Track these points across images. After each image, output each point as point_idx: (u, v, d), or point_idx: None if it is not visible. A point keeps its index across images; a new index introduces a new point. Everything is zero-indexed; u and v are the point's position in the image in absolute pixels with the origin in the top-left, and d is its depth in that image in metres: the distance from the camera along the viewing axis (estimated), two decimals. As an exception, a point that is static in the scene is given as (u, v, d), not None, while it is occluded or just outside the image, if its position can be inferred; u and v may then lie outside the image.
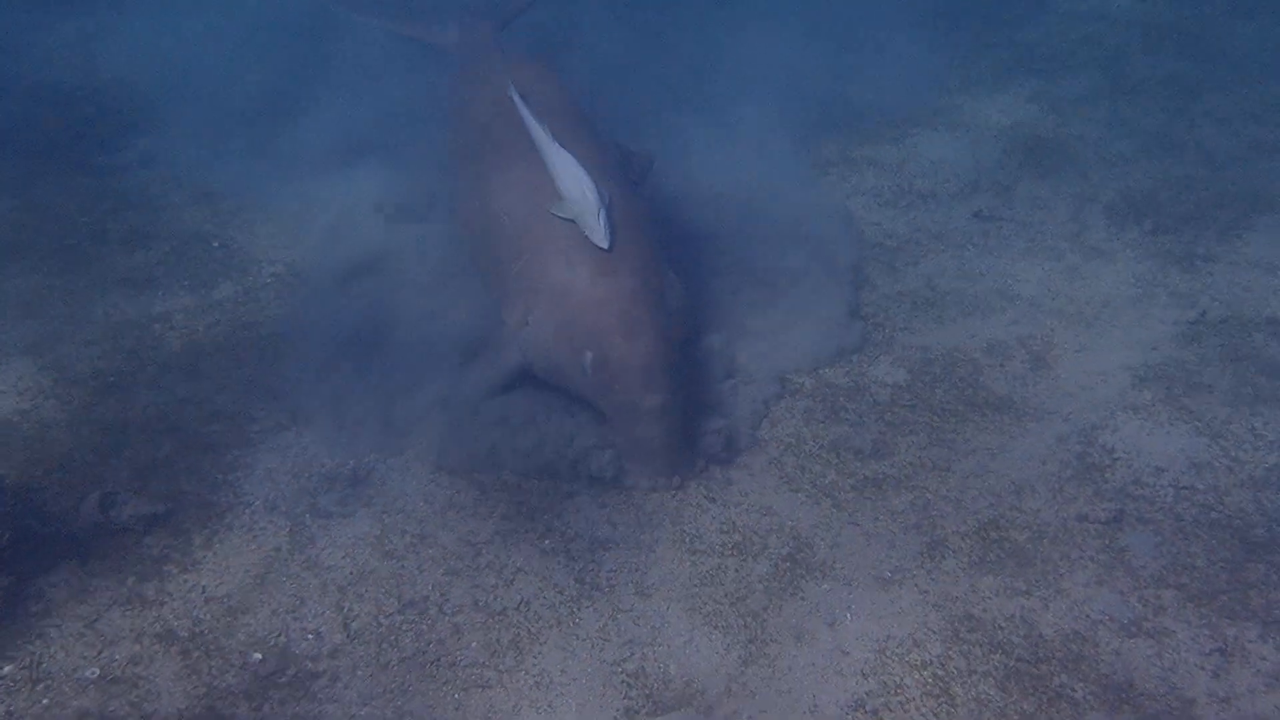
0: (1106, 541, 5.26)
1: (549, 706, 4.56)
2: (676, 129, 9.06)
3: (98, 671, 4.73)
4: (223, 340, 6.80)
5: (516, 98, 6.55)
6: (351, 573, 5.20)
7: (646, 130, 8.77)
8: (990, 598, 4.99)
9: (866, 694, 4.55)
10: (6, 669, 4.73)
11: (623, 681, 4.66)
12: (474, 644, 4.84)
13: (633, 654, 4.78)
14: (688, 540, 5.35)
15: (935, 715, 4.45)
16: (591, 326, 5.64)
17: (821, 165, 8.99)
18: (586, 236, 5.81)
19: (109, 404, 6.24)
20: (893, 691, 4.56)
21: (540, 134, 6.23)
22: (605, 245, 5.76)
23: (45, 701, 4.59)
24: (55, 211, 8.07)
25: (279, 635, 4.90)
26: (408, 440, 5.95)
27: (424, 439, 5.94)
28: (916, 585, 5.07)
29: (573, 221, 5.89)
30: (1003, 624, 4.85)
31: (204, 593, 5.10)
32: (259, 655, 4.81)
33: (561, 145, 6.13)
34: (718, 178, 8.36)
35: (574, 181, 5.92)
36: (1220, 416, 6.04)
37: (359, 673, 4.72)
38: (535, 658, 4.78)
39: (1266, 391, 6.22)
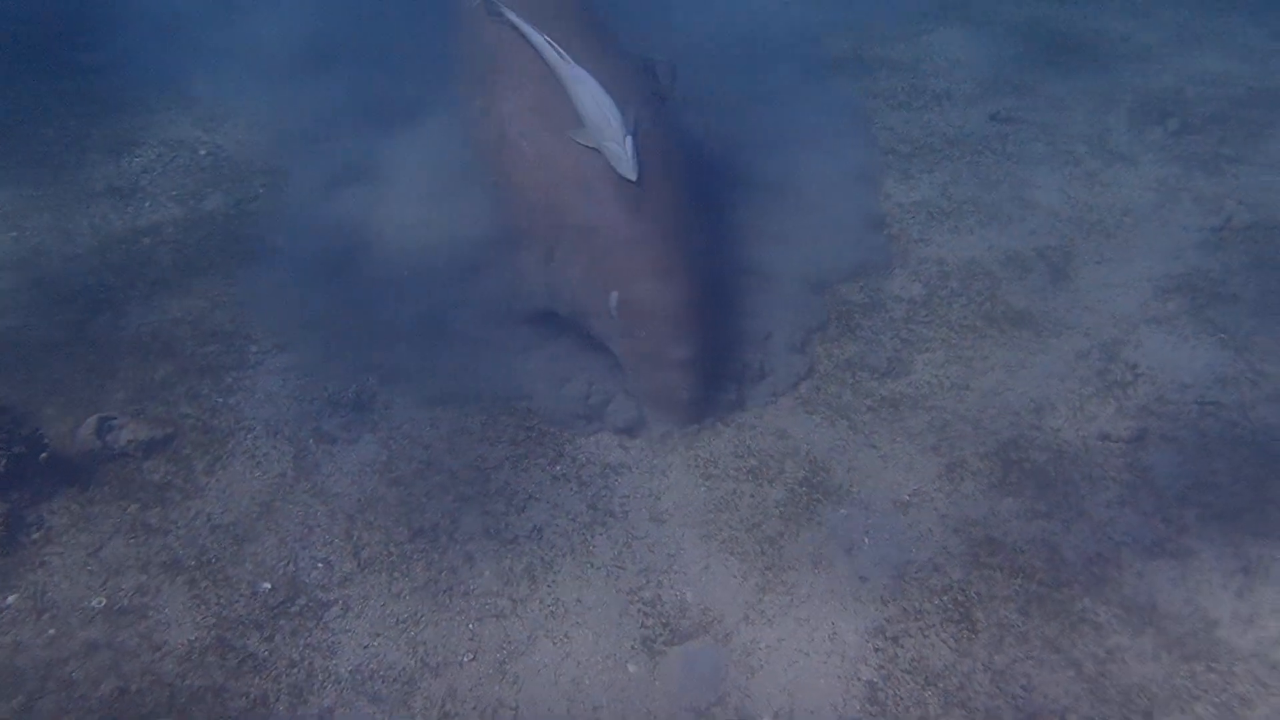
0: (1129, 461, 5.16)
1: (565, 636, 4.49)
2: (675, 27, 8.62)
3: (104, 601, 4.65)
4: (215, 255, 6.56)
5: (513, 16, 6.02)
6: (359, 500, 5.08)
7: (646, 27, 8.34)
8: (1011, 520, 4.90)
9: (887, 620, 4.50)
10: (11, 599, 4.65)
11: (639, 610, 4.59)
12: (487, 573, 4.76)
13: (648, 582, 4.70)
14: (701, 465, 5.23)
15: (957, 641, 4.41)
16: (619, 267, 5.29)
17: (833, 64, 8.61)
18: (612, 166, 5.36)
19: (100, 323, 6.04)
20: (913, 617, 4.50)
21: (551, 53, 5.70)
22: (632, 177, 5.31)
23: (51, 632, 4.52)
24: (38, 115, 7.71)
25: (288, 564, 4.81)
26: (405, 369, 5.72)
27: (418, 370, 5.69)
28: (935, 509, 4.98)
29: (596, 150, 5.42)
30: (1024, 547, 4.78)
31: (209, 520, 4.99)
32: (268, 584, 4.73)
33: (578, 62, 5.60)
34: (722, 78, 7.99)
35: (595, 105, 5.40)
36: (1246, 328, 5.88)
37: (371, 602, 4.65)
38: (550, 586, 4.70)
39: (1294, 303, 6.05)
